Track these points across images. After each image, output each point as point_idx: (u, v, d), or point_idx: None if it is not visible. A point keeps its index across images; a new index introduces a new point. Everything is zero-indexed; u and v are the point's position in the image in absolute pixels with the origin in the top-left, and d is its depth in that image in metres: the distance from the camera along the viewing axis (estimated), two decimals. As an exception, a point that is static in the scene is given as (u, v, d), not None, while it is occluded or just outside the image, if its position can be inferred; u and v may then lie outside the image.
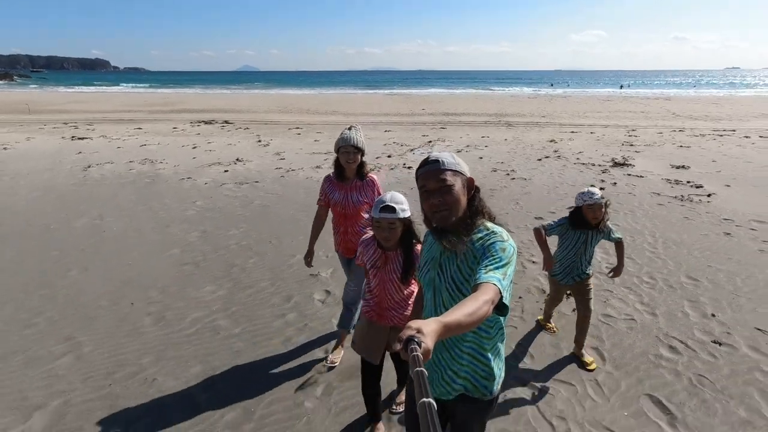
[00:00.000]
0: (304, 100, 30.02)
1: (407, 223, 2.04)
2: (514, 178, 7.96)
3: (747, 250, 4.69)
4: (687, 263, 4.38)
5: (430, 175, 1.41)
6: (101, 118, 18.18)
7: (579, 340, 2.96)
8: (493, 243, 1.35)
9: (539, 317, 3.44)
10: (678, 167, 8.83)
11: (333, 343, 3.15)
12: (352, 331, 2.83)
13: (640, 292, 3.85)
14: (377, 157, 9.86)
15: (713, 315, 3.47)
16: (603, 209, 2.75)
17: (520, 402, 2.63)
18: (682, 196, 6.74)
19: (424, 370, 0.78)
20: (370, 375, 2.24)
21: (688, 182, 7.60)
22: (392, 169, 8.79)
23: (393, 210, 1.94)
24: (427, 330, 0.93)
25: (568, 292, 3.12)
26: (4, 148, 10.91)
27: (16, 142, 11.91)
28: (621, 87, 51.57)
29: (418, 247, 2.06)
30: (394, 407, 2.54)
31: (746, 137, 13.20)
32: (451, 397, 1.52)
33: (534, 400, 2.64)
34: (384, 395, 2.54)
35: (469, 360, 1.48)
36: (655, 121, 18.00)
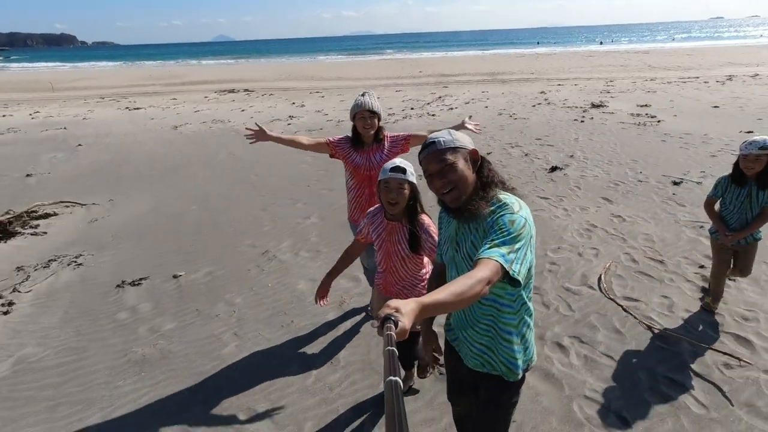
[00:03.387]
0: (302, 68, 31.82)
1: (414, 189, 2.03)
2: (516, 119, 10.55)
3: (676, 150, 7.40)
4: (643, 159, 7.08)
5: (431, 158, 1.41)
6: (126, 93, 20.04)
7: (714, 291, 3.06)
8: (502, 216, 1.33)
9: (707, 299, 3.16)
10: (642, 106, 11.50)
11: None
12: None
13: (608, 171, 6.54)
14: (403, 110, 12.34)
15: (639, 170, 6.20)
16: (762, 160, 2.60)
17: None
18: (639, 123, 9.44)
19: (395, 349, 0.82)
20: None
21: (647, 114, 10.30)
22: (422, 115, 11.29)
23: (404, 171, 1.94)
24: (405, 309, 0.96)
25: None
26: (84, 118, 13.06)
27: (85, 114, 13.99)
28: (601, 43, 54.13)
29: (423, 216, 2.08)
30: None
31: (705, 83, 15.91)
32: (479, 369, 1.52)
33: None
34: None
35: (489, 339, 1.48)
36: (632, 72, 20.60)
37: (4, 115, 14.05)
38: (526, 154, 7.39)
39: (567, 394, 2.46)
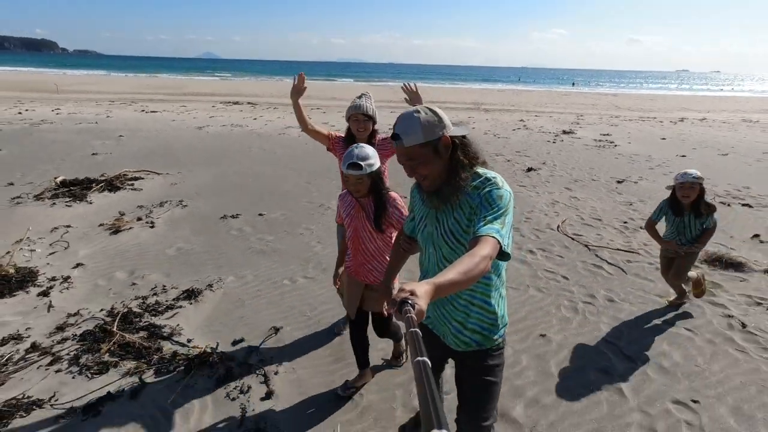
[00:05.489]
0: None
1: (374, 176, 2.12)
2: (499, 138, 12.62)
3: (625, 164, 9.49)
4: (599, 168, 9.11)
5: (399, 152, 1.43)
6: (132, 98, 21.43)
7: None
8: (490, 191, 1.37)
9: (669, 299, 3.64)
10: (604, 134, 13.81)
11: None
12: None
13: (571, 173, 8.51)
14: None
15: (594, 177, 8.18)
16: (696, 189, 2.97)
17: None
18: (599, 146, 11.63)
19: (418, 330, 0.82)
20: (354, 326, 2.47)
21: (607, 140, 12.55)
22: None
23: (360, 167, 2.03)
24: (420, 291, 0.98)
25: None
26: (107, 116, 14.44)
27: (105, 113, 15.35)
28: (573, 84, 59.02)
29: (390, 193, 2.21)
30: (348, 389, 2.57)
31: (660, 122, 18.62)
32: (461, 348, 1.58)
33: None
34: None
35: (470, 310, 1.52)
36: (600, 110, 23.44)
37: (27, 110, 15.26)
38: (508, 160, 9.34)
39: (533, 270, 4.20)
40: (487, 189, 1.39)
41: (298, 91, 2.90)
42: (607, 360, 2.92)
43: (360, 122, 2.76)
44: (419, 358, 0.72)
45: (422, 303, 0.95)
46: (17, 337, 2.92)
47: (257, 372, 2.71)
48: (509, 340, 3.07)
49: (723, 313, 3.48)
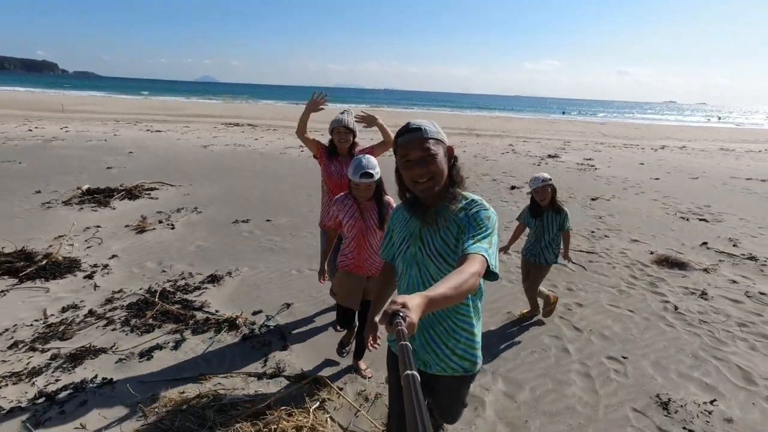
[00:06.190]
0: (293, 111, 34.94)
1: (379, 182, 2.53)
2: (488, 160, 13.49)
3: (602, 185, 10.34)
4: (576, 187, 9.93)
5: (413, 144, 1.42)
6: (136, 119, 22.29)
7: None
8: (478, 212, 1.41)
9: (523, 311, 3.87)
10: (587, 159, 14.76)
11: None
12: None
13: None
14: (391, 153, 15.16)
15: (573, 194, 8.98)
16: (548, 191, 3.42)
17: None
18: (580, 169, 12.52)
19: (409, 344, 0.81)
20: (345, 317, 2.90)
21: (589, 164, 13.47)
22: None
23: (371, 176, 2.42)
24: (412, 304, 0.97)
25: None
26: (115, 135, 15.21)
27: (113, 132, 16.13)
28: (563, 113, 61.31)
29: (388, 197, 2.60)
30: (344, 351, 3.05)
31: (642, 149, 19.71)
32: (446, 374, 1.58)
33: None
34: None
35: (460, 335, 1.55)
36: (586, 137, 24.63)
37: (37, 128, 16.00)
38: (494, 180, 10.16)
39: (507, 267, 4.89)
40: (474, 209, 1.43)
41: (314, 106, 3.27)
42: (560, 330, 3.59)
43: (342, 134, 3.09)
44: (408, 372, 0.72)
45: (413, 316, 0.95)
46: (75, 307, 3.56)
47: (275, 332, 3.36)
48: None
49: (661, 300, 4.18)
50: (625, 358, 3.21)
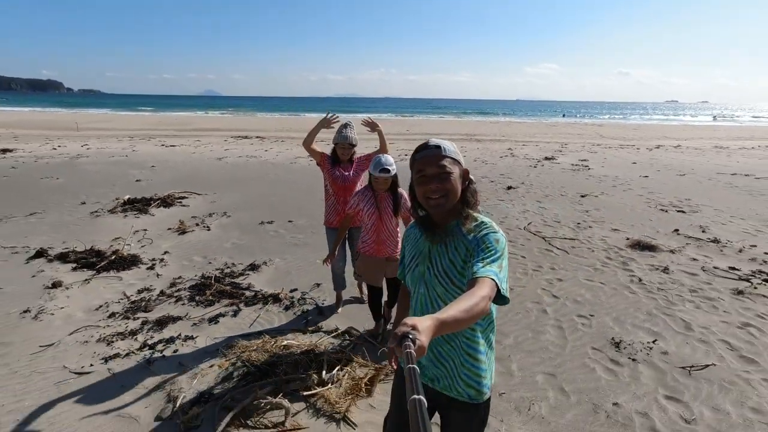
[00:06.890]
0: (298, 123, 36.08)
1: (395, 176, 3.12)
2: (487, 164, 14.36)
3: (593, 183, 11.15)
4: (569, 186, 10.76)
5: (431, 161, 1.45)
6: (149, 134, 23.37)
7: None
8: (487, 235, 1.41)
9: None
10: (582, 160, 15.59)
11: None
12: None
13: (544, 190, 10.14)
14: (397, 158, 16.07)
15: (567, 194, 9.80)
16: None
17: (497, 205, 8.79)
18: (575, 169, 13.35)
19: (416, 367, 0.81)
20: (374, 294, 3.50)
21: (583, 165, 14.30)
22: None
23: (388, 171, 3.02)
24: (422, 327, 0.97)
25: None
26: (133, 150, 16.21)
27: (131, 148, 17.14)
28: (563, 116, 62.36)
29: (401, 190, 3.21)
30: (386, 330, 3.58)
31: (637, 149, 20.52)
32: (452, 395, 1.56)
33: (501, 205, 8.80)
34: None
35: (465, 358, 1.52)
36: (584, 139, 25.47)
37: (59, 146, 17.05)
38: (491, 181, 11.01)
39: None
40: (483, 232, 1.43)
41: (326, 124, 3.76)
42: (541, 298, 4.42)
43: (345, 149, 3.64)
44: (415, 396, 0.72)
45: (424, 338, 0.93)
46: (147, 290, 4.44)
47: (310, 302, 4.22)
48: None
49: (629, 275, 5.01)
50: (591, 315, 4.03)
